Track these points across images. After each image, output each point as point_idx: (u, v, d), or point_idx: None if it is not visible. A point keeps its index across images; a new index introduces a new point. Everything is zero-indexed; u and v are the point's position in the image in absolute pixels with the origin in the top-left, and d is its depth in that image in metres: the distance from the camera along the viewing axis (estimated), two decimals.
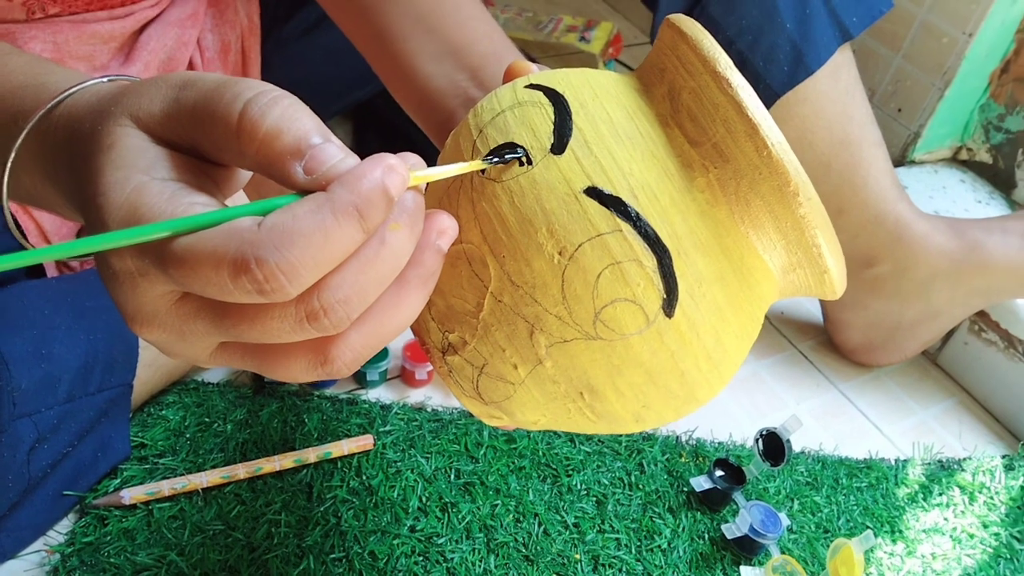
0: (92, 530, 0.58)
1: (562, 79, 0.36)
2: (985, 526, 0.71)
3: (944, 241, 0.76)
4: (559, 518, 0.65)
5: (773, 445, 0.66)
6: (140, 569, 0.57)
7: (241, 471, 0.62)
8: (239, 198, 0.56)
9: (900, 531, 0.69)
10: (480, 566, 0.61)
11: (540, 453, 0.69)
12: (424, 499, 0.64)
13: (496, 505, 0.64)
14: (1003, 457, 0.78)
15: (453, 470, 0.66)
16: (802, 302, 0.92)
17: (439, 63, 0.54)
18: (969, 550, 0.69)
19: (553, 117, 0.34)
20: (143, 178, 0.28)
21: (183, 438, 0.65)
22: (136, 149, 0.29)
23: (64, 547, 0.57)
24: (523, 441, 0.69)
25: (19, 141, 0.34)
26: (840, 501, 0.71)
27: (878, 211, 0.75)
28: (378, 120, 0.96)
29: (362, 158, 0.28)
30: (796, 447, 0.74)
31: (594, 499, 0.67)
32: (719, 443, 0.74)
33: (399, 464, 0.66)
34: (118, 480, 0.61)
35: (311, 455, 0.64)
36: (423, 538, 0.61)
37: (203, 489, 0.62)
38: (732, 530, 0.65)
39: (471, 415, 0.70)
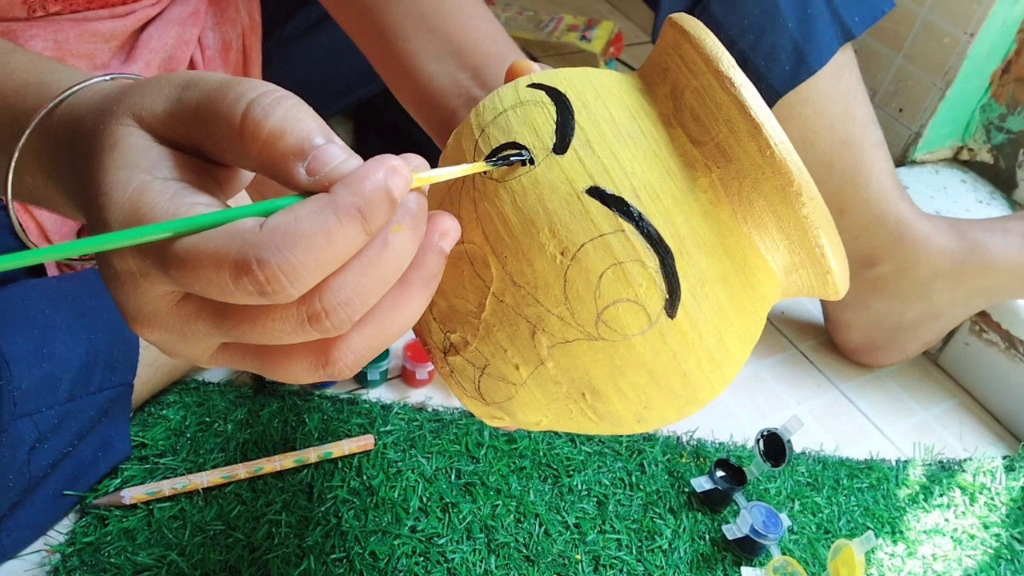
0: (92, 530, 0.58)
1: (564, 78, 0.35)
2: (986, 527, 0.71)
3: (945, 241, 0.76)
4: (560, 518, 0.65)
5: (774, 446, 0.66)
6: (141, 569, 0.57)
7: (242, 471, 0.62)
8: (241, 198, 0.55)
9: (901, 532, 0.69)
10: (481, 566, 0.60)
11: (541, 453, 0.69)
12: (425, 499, 0.64)
13: (497, 505, 0.64)
14: (1004, 458, 0.78)
15: (454, 470, 0.66)
16: (803, 302, 0.92)
17: (441, 63, 0.54)
18: (970, 551, 0.69)
19: (555, 117, 0.34)
20: (145, 178, 0.28)
21: (184, 438, 0.65)
22: (138, 148, 0.29)
23: (64, 547, 0.57)
24: (524, 441, 0.69)
25: (22, 140, 0.34)
26: (841, 502, 0.71)
27: (880, 211, 0.75)
28: (379, 120, 0.95)
29: (363, 158, 0.27)
30: (797, 448, 0.74)
31: (595, 499, 0.67)
32: (720, 444, 0.74)
33: (400, 464, 0.66)
34: (118, 480, 0.61)
35: (312, 455, 0.64)
36: (424, 538, 0.61)
37: (204, 489, 0.62)
38: (733, 531, 0.65)
39: (472, 415, 0.70)
